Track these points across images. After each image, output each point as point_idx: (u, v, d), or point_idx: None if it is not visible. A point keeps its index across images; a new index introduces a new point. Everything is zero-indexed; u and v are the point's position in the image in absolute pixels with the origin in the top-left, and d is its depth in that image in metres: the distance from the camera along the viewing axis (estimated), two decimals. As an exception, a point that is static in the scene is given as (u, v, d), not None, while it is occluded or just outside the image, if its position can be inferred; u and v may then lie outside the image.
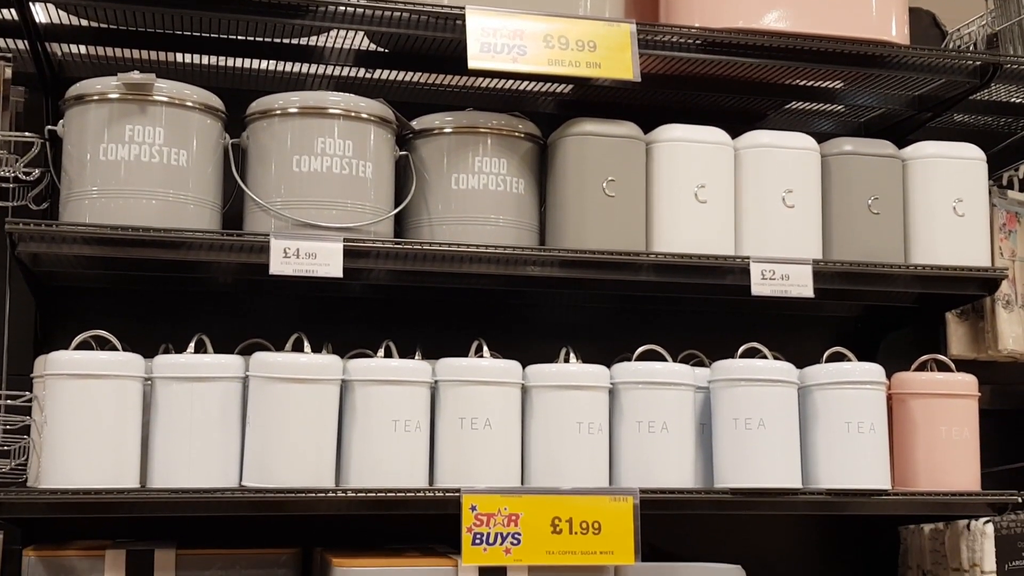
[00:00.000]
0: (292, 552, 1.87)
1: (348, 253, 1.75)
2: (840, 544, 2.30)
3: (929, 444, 1.89)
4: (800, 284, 1.88)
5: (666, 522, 2.02)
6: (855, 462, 1.82)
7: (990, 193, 2.11)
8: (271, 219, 1.77)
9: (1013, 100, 2.26)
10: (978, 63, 2.04)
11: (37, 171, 1.78)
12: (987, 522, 1.93)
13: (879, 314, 2.31)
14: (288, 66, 2.06)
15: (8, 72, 1.80)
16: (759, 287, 1.88)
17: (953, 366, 1.98)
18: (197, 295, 2.11)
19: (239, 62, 2.02)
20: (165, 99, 1.74)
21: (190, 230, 1.72)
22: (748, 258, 1.89)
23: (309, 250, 1.73)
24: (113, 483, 1.63)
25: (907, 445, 1.91)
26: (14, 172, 1.76)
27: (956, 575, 2.00)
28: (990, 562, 1.91)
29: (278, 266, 1.72)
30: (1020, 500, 1.90)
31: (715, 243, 1.92)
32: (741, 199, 1.95)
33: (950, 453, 1.89)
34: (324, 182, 1.77)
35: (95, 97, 1.74)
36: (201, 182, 1.77)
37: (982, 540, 1.93)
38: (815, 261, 1.91)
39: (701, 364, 1.99)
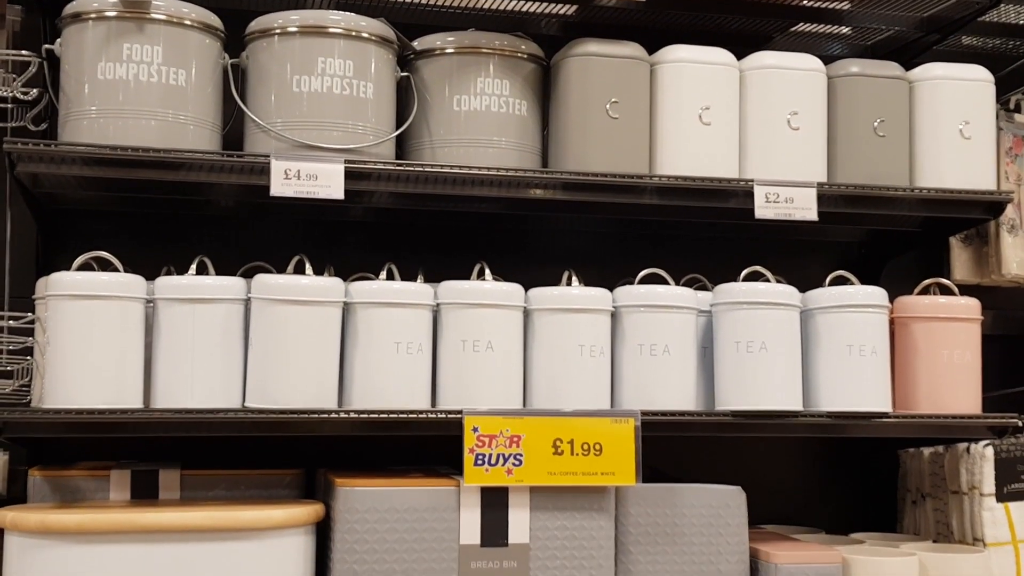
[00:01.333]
0: (296, 473, 1.88)
1: (349, 175, 1.75)
2: (840, 467, 2.32)
3: (930, 368, 1.89)
4: (804, 207, 1.88)
5: (667, 445, 2.03)
6: (856, 385, 1.83)
7: (997, 116, 2.09)
8: (272, 140, 1.76)
9: (1022, 22, 2.22)
10: (987, -19, 2.02)
11: (35, 91, 1.76)
12: (987, 445, 1.94)
13: (883, 239, 2.31)
14: (288, -15, 2.04)
15: (4, -10, 1.77)
16: (763, 210, 1.87)
17: (956, 290, 1.97)
18: (198, 218, 2.10)
19: (239, -21, 1.99)
20: (163, 17, 1.72)
21: (190, 151, 1.71)
22: (752, 181, 1.88)
23: (310, 171, 1.72)
24: (116, 403, 1.63)
25: (908, 369, 1.92)
26: (12, 92, 1.75)
27: (955, 498, 2.02)
28: (989, 485, 1.93)
29: (279, 188, 1.71)
30: (1020, 423, 1.91)
31: (719, 166, 1.90)
32: (746, 121, 1.94)
33: (951, 377, 1.89)
34: (325, 103, 1.76)
35: (92, 15, 1.71)
36: (200, 103, 1.76)
37: (981, 463, 1.94)
38: (819, 184, 1.91)
39: (704, 288, 1.99)
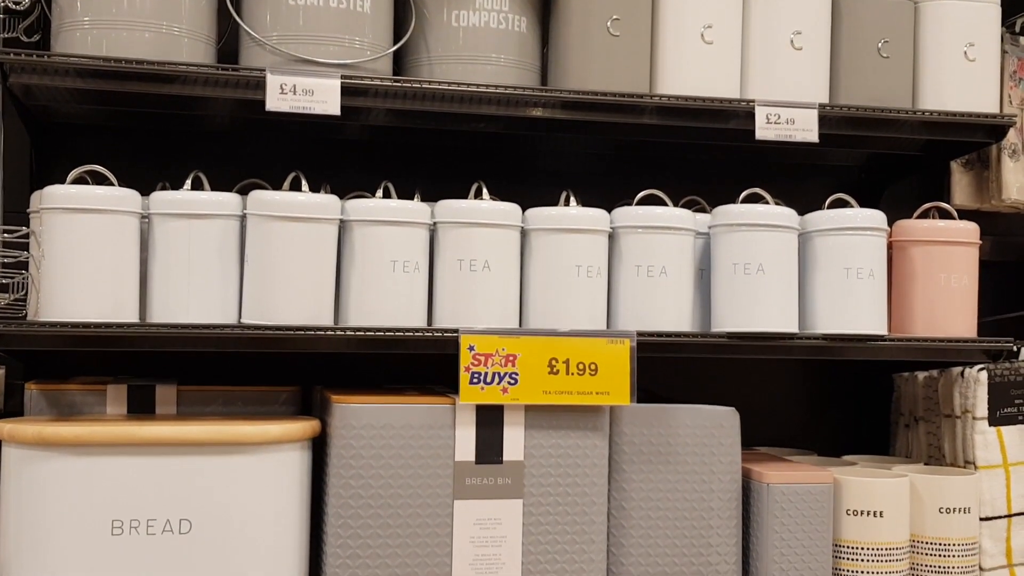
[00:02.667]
0: (292, 390, 1.89)
1: (345, 91, 1.73)
2: (834, 391, 2.34)
3: (927, 291, 1.89)
4: (805, 129, 1.86)
5: (662, 367, 2.04)
6: (853, 308, 1.83)
7: (1002, 39, 2.07)
8: (267, 55, 1.74)
9: (1031, -57, 2.19)
10: None
11: (27, 1, 1.74)
12: (981, 369, 1.95)
13: (883, 163, 2.29)
14: None
15: None
16: (763, 131, 1.86)
17: (956, 214, 1.97)
18: (193, 135, 2.08)
19: None
20: (156, -73, 1.69)
21: (184, 64, 1.69)
22: (753, 101, 1.87)
23: (306, 86, 1.70)
24: (112, 318, 1.63)
25: (905, 292, 1.92)
26: (3, 2, 1.72)
27: (948, 421, 2.03)
28: (982, 408, 1.94)
29: (274, 102, 1.69)
30: (1015, 348, 1.92)
31: (720, 86, 1.89)
32: (748, 41, 1.91)
33: (948, 300, 1.89)
34: (321, 16, 1.73)
35: (83, -77, 1.68)
36: (195, 15, 1.73)
37: (975, 387, 1.95)
38: (821, 105, 1.89)
39: (702, 211, 1.98)
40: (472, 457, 1.69)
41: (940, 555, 1.84)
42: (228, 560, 1.58)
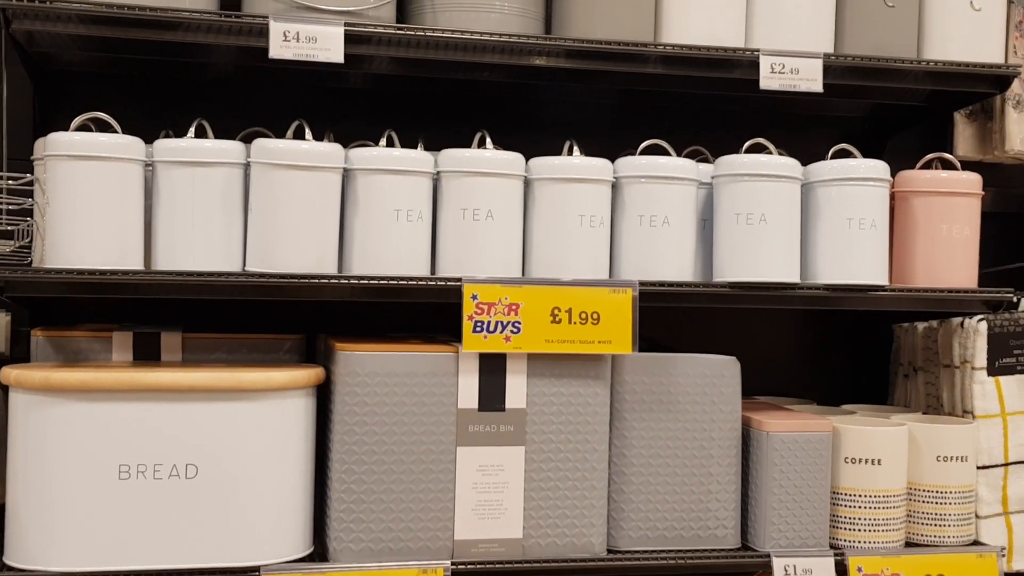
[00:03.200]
0: (296, 338, 1.90)
1: (349, 38, 1.72)
2: (834, 341, 2.35)
3: (929, 242, 1.90)
4: (809, 78, 1.86)
5: (664, 318, 2.06)
6: (854, 258, 1.83)
7: (1009, -11, 2.06)
8: (270, 2, 1.73)
9: None
10: None
11: (28, -53, 1.72)
12: (981, 320, 1.96)
13: (887, 113, 2.29)
14: None
15: None
16: (767, 81, 1.85)
17: (958, 164, 1.97)
18: (197, 83, 2.08)
19: None
20: None
21: (187, 10, 1.69)
22: (758, 51, 1.86)
23: (309, 34, 1.70)
24: (117, 265, 1.64)
25: (907, 243, 1.92)
26: (4, -52, 1.71)
27: (946, 371, 2.05)
28: (981, 358, 1.95)
29: (277, 50, 1.69)
30: (1014, 299, 1.93)
31: (725, 35, 1.88)
32: (753, -10, 1.90)
33: (949, 252, 1.89)
34: (324, -37, 1.72)
35: None
36: (197, -39, 1.72)
37: (975, 337, 1.96)
38: (826, 55, 1.88)
39: (705, 161, 1.98)
40: (475, 405, 1.71)
41: (937, 503, 1.87)
42: (234, 504, 1.61)
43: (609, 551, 1.78)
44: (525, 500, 1.72)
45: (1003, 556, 1.88)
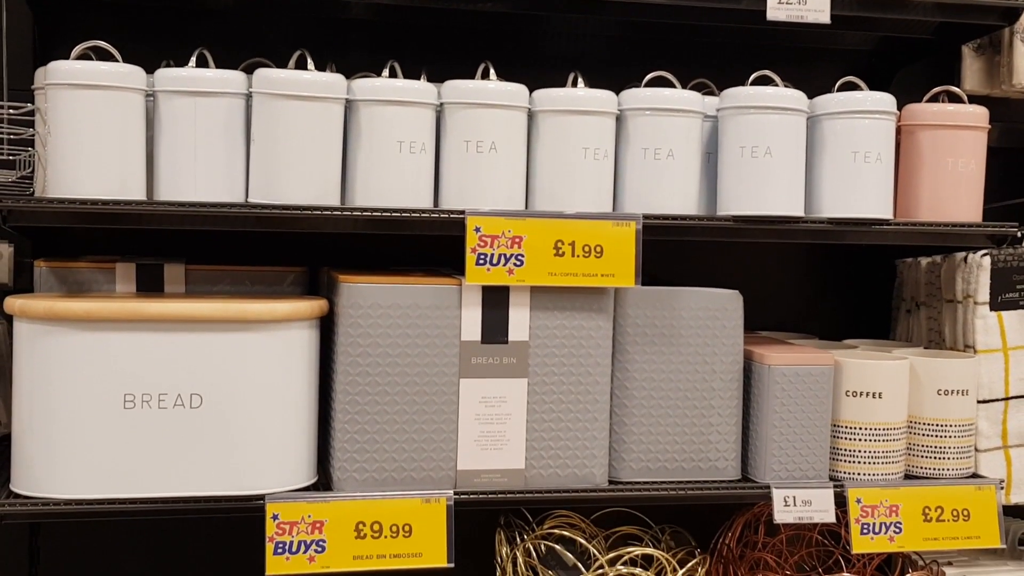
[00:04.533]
0: (299, 271, 1.91)
1: (351, -34, 1.70)
2: (837, 277, 2.35)
3: (934, 175, 1.89)
4: (817, 9, 1.83)
5: (667, 253, 2.06)
6: (859, 192, 1.82)
7: (1020, -81, 2.02)
8: (271, -71, 1.72)
9: None
10: None
11: None
12: (984, 255, 1.96)
13: (894, 47, 2.26)
14: None
15: None
16: (774, 11, 1.83)
17: (965, 98, 1.95)
18: (197, 14, 2.06)
19: None
20: None
21: (187, -63, 1.67)
22: (765, -19, 1.84)
23: (311, -38, 1.68)
24: (119, 195, 1.63)
25: (912, 177, 1.91)
26: None
27: (949, 306, 2.05)
28: (984, 293, 1.95)
29: (279, -22, 1.67)
30: (1019, 234, 1.92)
31: (731, -35, 1.86)
32: (761, -81, 1.87)
33: (954, 185, 1.88)
34: None
35: None
36: None
37: (978, 272, 1.96)
38: (834, -15, 1.86)
39: (711, 94, 1.97)
40: (478, 337, 1.71)
41: (937, 436, 1.88)
42: (238, 434, 1.62)
43: (610, 482, 1.79)
44: (527, 431, 1.73)
45: (1001, 488, 1.90)
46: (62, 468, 1.57)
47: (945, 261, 2.06)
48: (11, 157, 1.68)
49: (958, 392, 1.87)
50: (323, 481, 1.73)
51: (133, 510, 1.59)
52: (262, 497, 1.63)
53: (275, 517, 1.62)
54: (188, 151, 1.67)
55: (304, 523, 1.63)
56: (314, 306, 1.68)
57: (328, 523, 1.64)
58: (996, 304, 1.95)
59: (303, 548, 1.63)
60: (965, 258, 2.00)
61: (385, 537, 1.66)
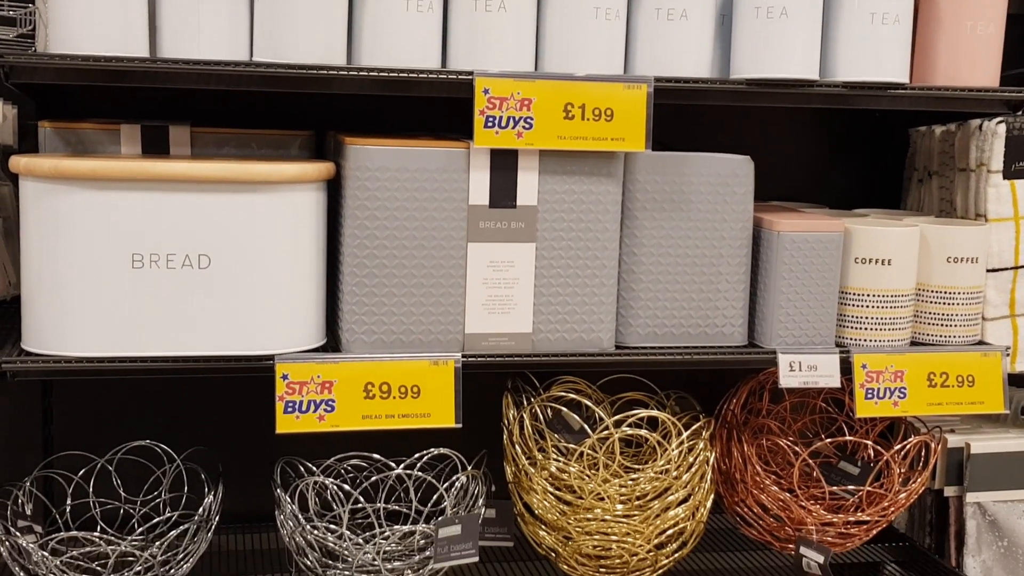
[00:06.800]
0: (306, 134, 1.89)
1: None
2: (849, 146, 2.32)
3: (952, 39, 1.85)
4: None
5: (677, 120, 2.03)
6: (875, 55, 1.78)
7: None
8: None
9: None
10: None
11: None
12: (999, 122, 1.93)
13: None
14: None
15: None
16: None
17: (988, -41, 1.90)
18: None
19: None
20: None
21: None
22: None
23: None
24: (120, 52, 1.60)
25: (929, 39, 1.87)
26: None
27: (962, 175, 2.03)
28: (997, 161, 1.93)
29: None
30: (1036, 100, 1.89)
31: None
32: None
33: (972, 49, 1.84)
34: None
35: None
36: None
37: (992, 140, 1.93)
38: None
39: (725, -46, 1.92)
40: (486, 201, 1.70)
41: (945, 303, 1.88)
42: (247, 295, 1.62)
43: (617, 347, 1.80)
44: (535, 296, 1.74)
45: (1007, 356, 1.91)
46: (72, 327, 1.58)
47: (959, 129, 2.03)
48: (11, 14, 1.65)
49: (968, 260, 1.87)
50: (332, 344, 1.74)
51: (143, 368, 1.60)
52: (271, 357, 1.64)
53: (285, 377, 1.64)
54: (191, 7, 1.63)
55: (313, 383, 1.65)
56: (321, 168, 1.67)
57: (337, 383, 1.65)
58: (1009, 172, 1.93)
59: (312, 407, 1.65)
60: (980, 126, 1.97)
61: (394, 398, 1.68)
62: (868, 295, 1.83)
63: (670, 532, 1.85)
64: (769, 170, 2.05)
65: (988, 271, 1.93)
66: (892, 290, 1.83)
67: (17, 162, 1.57)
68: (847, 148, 2.32)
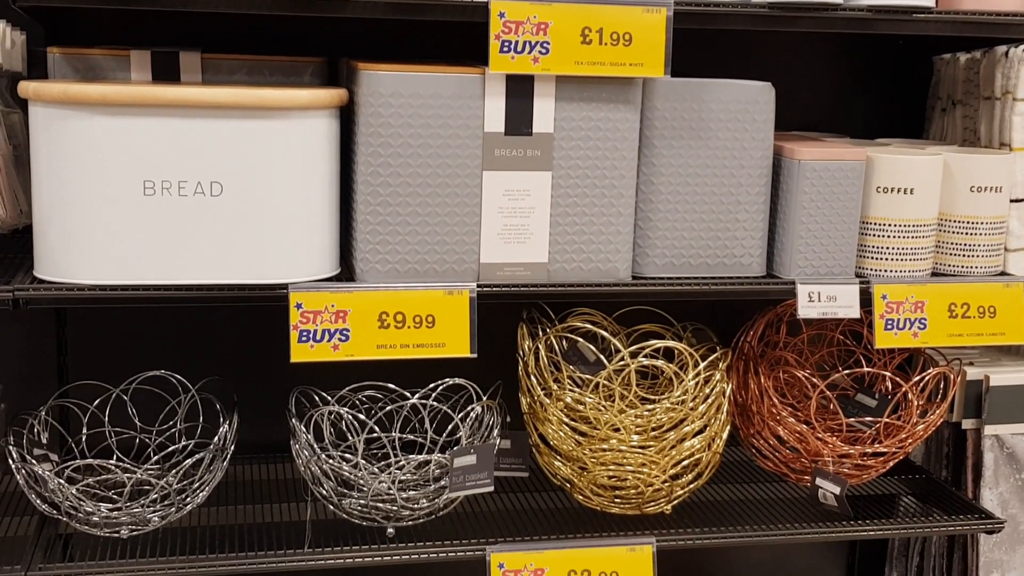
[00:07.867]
0: (319, 61, 1.86)
1: None
2: (872, 73, 2.28)
3: (981, -38, 1.80)
4: None
5: (697, 49, 1.98)
6: (901, -22, 1.74)
7: None
8: None
9: None
10: None
11: None
12: (1027, 48, 1.89)
13: None
14: None
15: None
16: None
17: None
18: None
19: None
20: None
21: None
22: None
23: None
24: (131, -26, 1.57)
25: (957, -37, 1.82)
26: None
27: (986, 104, 1.99)
28: (1023, 89, 1.89)
29: None
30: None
31: None
32: None
33: (1001, -28, 1.80)
34: None
35: None
36: None
37: (1018, 67, 1.89)
38: None
39: None
40: (501, 128, 1.67)
41: (967, 233, 1.85)
42: (260, 223, 1.60)
43: (634, 277, 1.78)
44: (551, 225, 1.71)
45: (1029, 287, 1.88)
46: (83, 254, 1.57)
47: (985, 56, 1.99)
48: (17, -65, 1.62)
49: (991, 189, 1.84)
50: (346, 274, 1.72)
51: (155, 296, 1.59)
52: (285, 286, 1.63)
53: (299, 306, 1.62)
54: (200, -71, 1.60)
55: (328, 312, 1.63)
56: (334, 95, 1.64)
57: (351, 313, 1.64)
58: (1034, 98, 1.89)
59: (327, 336, 1.64)
60: (1006, 52, 1.93)
61: (408, 327, 1.66)
62: (889, 225, 1.80)
63: (685, 463, 1.85)
64: (790, 99, 2.01)
65: (1012, 201, 1.90)
66: (914, 219, 1.80)
67: (26, 87, 1.55)
68: (869, 77, 2.27)
